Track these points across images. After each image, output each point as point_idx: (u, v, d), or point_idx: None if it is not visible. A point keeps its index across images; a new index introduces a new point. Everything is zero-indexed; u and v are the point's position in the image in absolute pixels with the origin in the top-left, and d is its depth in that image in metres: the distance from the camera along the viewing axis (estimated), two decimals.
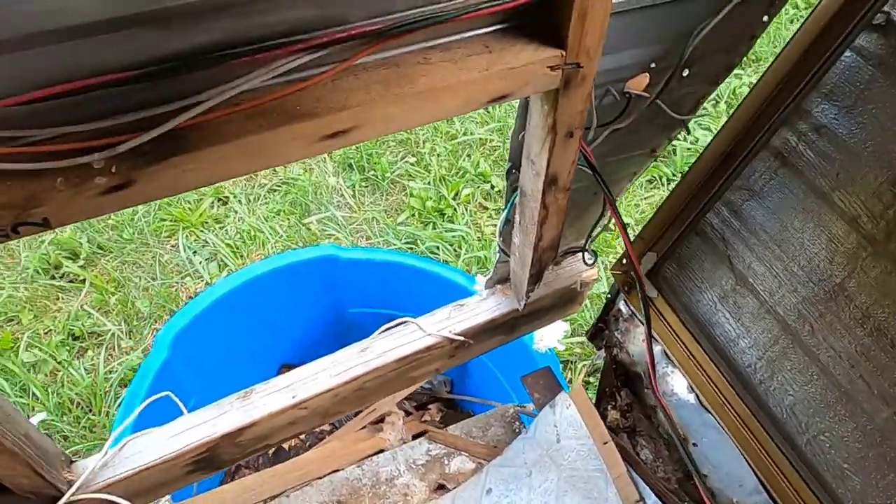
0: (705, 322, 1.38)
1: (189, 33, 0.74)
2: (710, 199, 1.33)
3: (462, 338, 1.46)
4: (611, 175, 1.35)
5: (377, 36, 0.82)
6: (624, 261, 1.49)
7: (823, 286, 1.16)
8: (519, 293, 1.43)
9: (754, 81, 3.98)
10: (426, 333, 1.45)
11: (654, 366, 1.26)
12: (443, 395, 2.42)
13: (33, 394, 2.51)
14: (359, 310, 2.31)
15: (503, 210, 1.33)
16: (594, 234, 1.40)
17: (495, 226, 3.30)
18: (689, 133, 1.21)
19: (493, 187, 3.41)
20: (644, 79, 1.14)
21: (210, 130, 0.78)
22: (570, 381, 2.64)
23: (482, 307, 1.49)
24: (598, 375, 2.66)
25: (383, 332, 1.48)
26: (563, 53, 0.90)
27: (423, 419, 2.36)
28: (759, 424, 1.26)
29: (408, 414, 2.39)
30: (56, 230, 3.06)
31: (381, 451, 2.18)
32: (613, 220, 1.42)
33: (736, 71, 3.49)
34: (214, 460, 1.37)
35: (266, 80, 0.79)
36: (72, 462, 1.29)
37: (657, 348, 1.44)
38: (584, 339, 2.75)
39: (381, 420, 2.21)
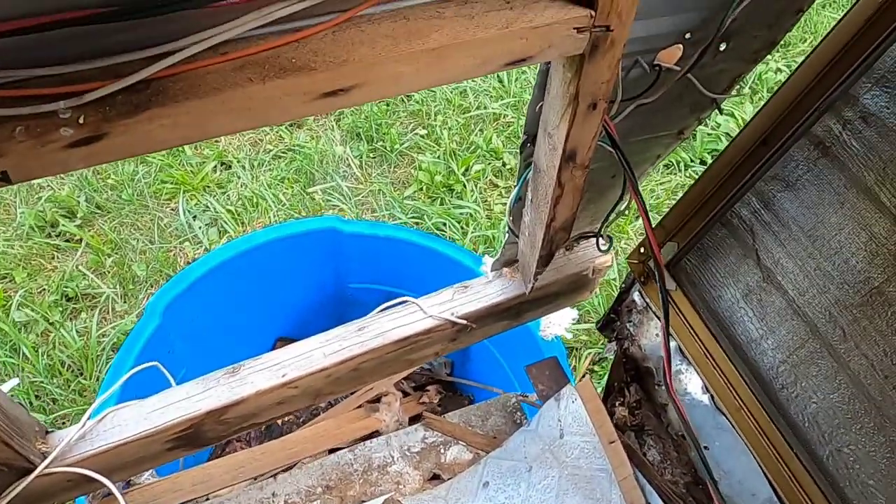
0: (726, 319, 1.29)
1: None
2: (739, 189, 1.23)
3: (465, 321, 1.37)
4: (633, 157, 1.25)
5: None
6: (642, 249, 1.40)
7: (859, 289, 1.07)
8: (526, 276, 1.35)
9: (781, 67, 3.81)
10: (427, 315, 1.37)
11: (670, 364, 1.18)
12: (442, 378, 2.35)
13: (24, 354, 2.45)
14: (360, 285, 2.23)
15: (515, 186, 1.24)
16: (610, 218, 1.31)
17: (505, 204, 3.20)
18: (720, 112, 1.12)
19: (504, 164, 3.31)
20: (677, 51, 1.04)
21: (191, 81, 0.69)
22: (575, 369, 2.57)
23: (487, 290, 1.41)
24: (605, 365, 2.58)
25: (382, 310, 1.40)
26: (593, 14, 0.80)
27: (420, 401, 2.29)
28: (777, 431, 1.18)
29: (405, 395, 2.32)
30: (55, 188, 2.98)
31: (377, 432, 2.12)
32: (629, 206, 1.33)
33: None
34: (198, 437, 1.30)
35: (257, 28, 0.70)
36: (48, 432, 1.22)
37: (672, 344, 1.35)
38: (591, 325, 2.67)
39: (377, 399, 2.15)
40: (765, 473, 1.20)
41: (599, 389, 2.36)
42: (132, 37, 0.67)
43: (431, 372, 2.40)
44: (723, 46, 1.05)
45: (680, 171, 3.34)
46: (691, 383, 1.35)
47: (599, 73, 0.89)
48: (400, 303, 1.41)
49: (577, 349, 2.65)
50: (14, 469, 1.14)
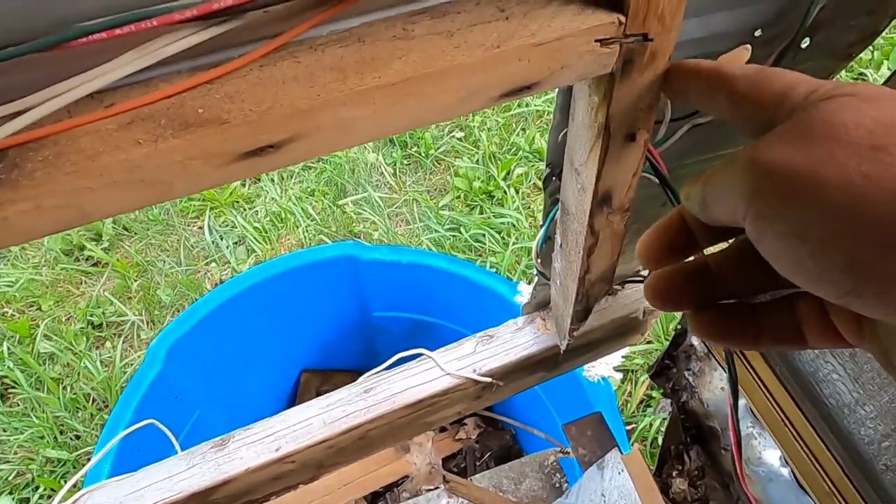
0: (809, 378, 1.04)
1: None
2: None
3: (489, 379, 1.17)
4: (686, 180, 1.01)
5: None
6: None
7: None
8: (561, 329, 1.13)
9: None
10: (445, 372, 1.17)
11: (739, 448, 0.94)
12: (481, 412, 2.15)
13: (48, 388, 2.37)
14: (385, 313, 2.05)
15: (541, 225, 1.02)
16: None
17: None
18: None
19: None
20: (744, 52, 0.80)
21: (58, 149, 0.50)
22: (631, 395, 2.32)
23: (516, 340, 1.20)
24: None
25: (391, 365, 1.20)
26: (622, 19, 0.58)
27: (457, 437, 2.10)
28: None
29: (442, 430, 2.13)
30: None
31: (406, 476, 1.94)
32: None
33: None
34: None
35: (144, 71, 0.51)
36: None
37: (741, 403, 1.11)
38: (646, 347, 2.42)
39: None
40: None
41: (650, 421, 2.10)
42: None
43: None
44: (806, 43, 0.81)
45: None
46: (767, 452, 1.10)
47: (637, 96, 0.66)
48: (413, 356, 1.21)
49: (632, 371, 2.40)
50: None
